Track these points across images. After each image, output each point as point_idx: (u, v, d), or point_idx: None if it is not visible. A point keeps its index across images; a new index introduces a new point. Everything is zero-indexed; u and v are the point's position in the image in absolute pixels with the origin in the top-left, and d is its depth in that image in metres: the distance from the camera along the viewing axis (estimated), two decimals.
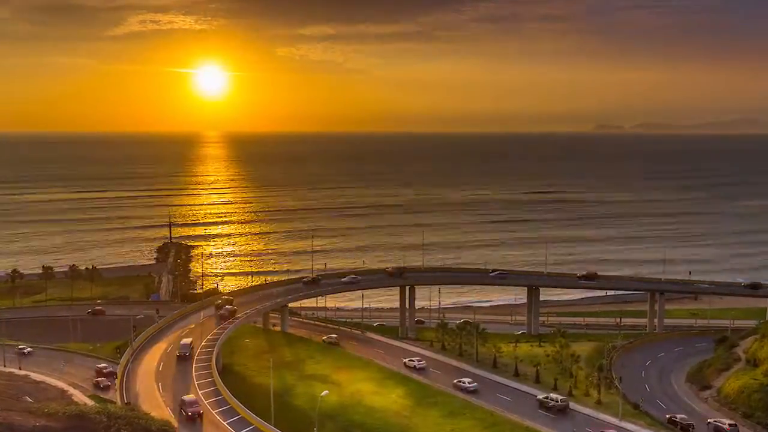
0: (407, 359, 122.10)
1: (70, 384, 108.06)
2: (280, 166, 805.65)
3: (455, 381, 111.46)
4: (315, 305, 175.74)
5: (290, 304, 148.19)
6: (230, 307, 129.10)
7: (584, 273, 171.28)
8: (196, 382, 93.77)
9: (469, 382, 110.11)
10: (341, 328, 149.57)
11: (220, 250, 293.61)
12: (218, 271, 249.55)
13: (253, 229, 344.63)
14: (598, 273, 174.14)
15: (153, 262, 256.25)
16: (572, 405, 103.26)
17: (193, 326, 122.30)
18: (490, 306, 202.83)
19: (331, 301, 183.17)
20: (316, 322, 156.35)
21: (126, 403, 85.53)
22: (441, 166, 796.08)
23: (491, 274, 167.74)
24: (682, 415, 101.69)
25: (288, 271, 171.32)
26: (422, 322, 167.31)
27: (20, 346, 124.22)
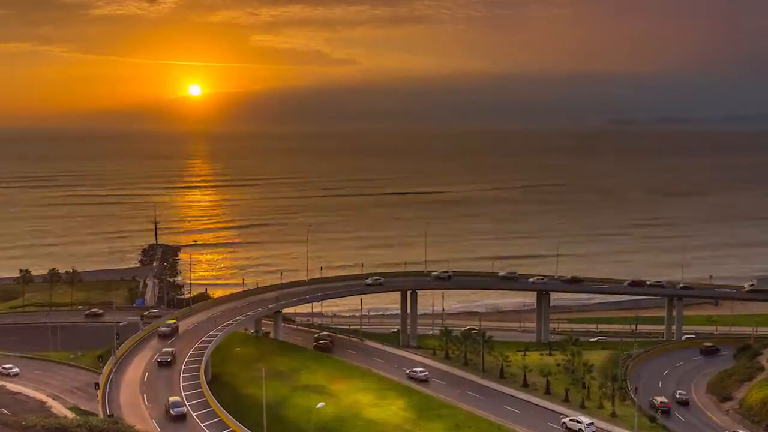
0: (409, 370, 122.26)
1: (50, 395, 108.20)
2: (272, 164, 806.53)
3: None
4: (311, 311, 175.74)
5: (284, 310, 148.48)
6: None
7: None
8: (183, 393, 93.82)
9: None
10: (339, 335, 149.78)
11: (209, 252, 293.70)
12: (207, 274, 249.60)
13: (245, 230, 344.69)
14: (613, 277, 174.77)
15: (138, 265, 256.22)
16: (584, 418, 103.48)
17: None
18: (498, 312, 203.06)
19: (327, 308, 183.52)
20: (312, 329, 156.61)
21: (109, 416, 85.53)
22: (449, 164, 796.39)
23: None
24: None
25: (282, 274, 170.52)
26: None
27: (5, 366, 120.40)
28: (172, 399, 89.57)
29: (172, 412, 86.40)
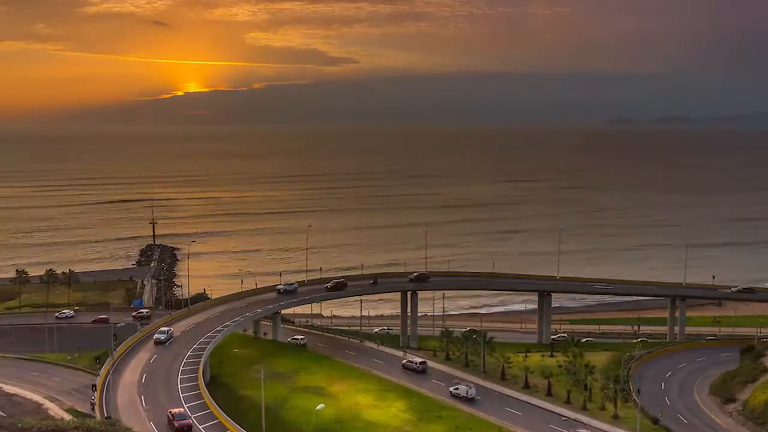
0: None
1: (46, 397, 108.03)
2: (271, 164, 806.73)
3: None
4: (310, 312, 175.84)
5: (283, 311, 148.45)
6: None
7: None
8: (181, 395, 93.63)
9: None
10: (338, 336, 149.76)
11: (208, 252, 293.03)
12: (206, 275, 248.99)
13: (244, 230, 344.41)
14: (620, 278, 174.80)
15: (135, 265, 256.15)
16: (586, 419, 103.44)
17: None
18: (499, 313, 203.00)
19: (326, 309, 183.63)
20: (312, 331, 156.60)
21: (106, 418, 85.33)
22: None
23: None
24: None
25: (281, 274, 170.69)
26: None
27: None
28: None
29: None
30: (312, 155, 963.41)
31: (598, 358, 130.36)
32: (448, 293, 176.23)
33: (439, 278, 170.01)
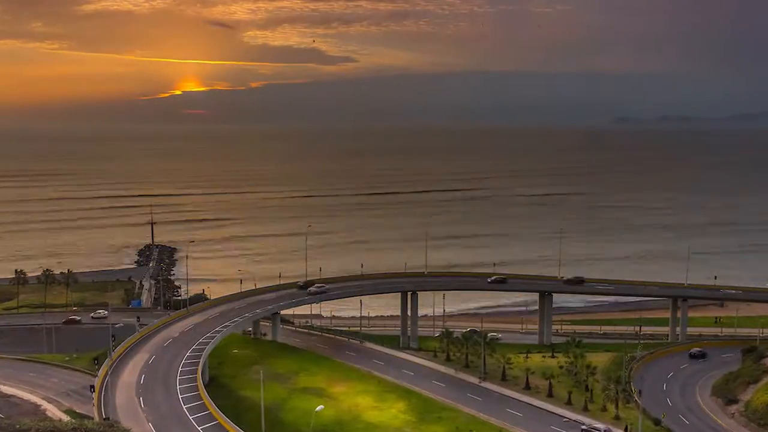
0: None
1: (44, 398, 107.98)
2: (270, 163, 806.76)
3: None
4: (310, 312, 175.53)
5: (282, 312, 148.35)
6: None
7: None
8: (180, 396, 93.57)
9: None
10: (338, 337, 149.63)
11: (207, 252, 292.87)
12: (205, 275, 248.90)
13: (243, 230, 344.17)
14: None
15: (133, 265, 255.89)
16: (588, 421, 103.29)
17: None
18: (499, 313, 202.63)
19: (326, 309, 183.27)
20: (311, 331, 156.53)
21: (104, 419, 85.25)
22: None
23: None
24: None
25: (280, 274, 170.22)
26: None
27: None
28: None
29: None
30: (311, 155, 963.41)
31: (600, 359, 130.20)
32: (448, 293, 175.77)
33: (439, 278, 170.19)
